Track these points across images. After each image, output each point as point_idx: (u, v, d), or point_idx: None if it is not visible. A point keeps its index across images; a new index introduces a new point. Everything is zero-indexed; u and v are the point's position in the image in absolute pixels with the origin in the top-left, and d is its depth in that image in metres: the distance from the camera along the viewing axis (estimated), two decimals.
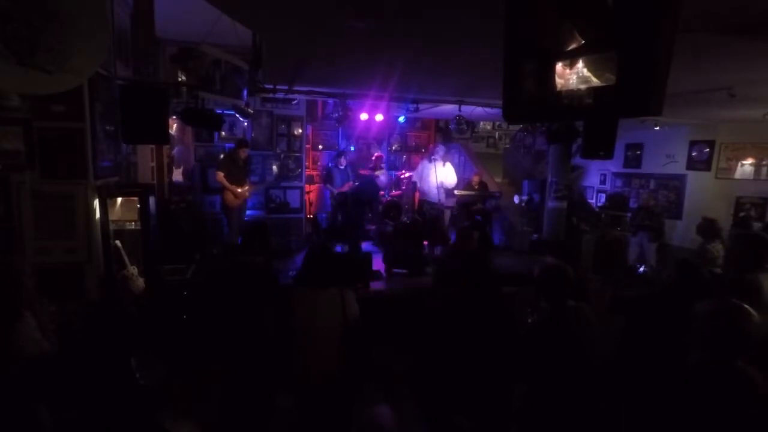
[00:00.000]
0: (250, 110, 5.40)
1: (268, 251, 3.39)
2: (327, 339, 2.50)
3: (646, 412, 1.83)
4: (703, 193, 7.62)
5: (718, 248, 4.94)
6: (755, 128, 6.90)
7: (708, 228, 5.16)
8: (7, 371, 1.79)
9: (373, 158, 8.13)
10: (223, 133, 6.75)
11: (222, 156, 6.35)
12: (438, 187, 7.34)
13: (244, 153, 5.89)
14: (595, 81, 1.56)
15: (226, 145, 6.84)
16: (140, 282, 3.75)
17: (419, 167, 8.00)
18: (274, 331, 2.63)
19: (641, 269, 5.92)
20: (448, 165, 7.72)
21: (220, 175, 5.71)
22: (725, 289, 2.51)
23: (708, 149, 7.60)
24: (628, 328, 2.79)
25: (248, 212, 6.62)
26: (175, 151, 6.59)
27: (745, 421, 1.62)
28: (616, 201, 8.23)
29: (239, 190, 5.82)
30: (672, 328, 2.23)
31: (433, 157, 7.60)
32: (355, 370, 2.58)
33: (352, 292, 2.68)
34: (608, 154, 4.63)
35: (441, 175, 7.38)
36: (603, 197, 9.11)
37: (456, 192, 7.31)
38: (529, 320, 2.63)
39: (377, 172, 7.65)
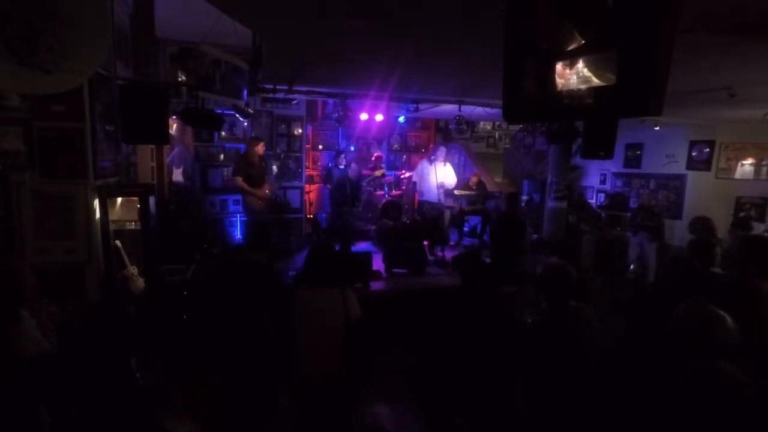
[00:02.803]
0: (250, 110, 5.39)
1: (269, 249, 3.40)
2: (328, 339, 2.50)
3: (642, 412, 1.83)
4: (703, 193, 7.62)
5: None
6: (755, 128, 6.89)
7: (702, 227, 5.06)
8: (6, 371, 1.79)
9: (373, 158, 8.12)
10: (223, 133, 6.74)
11: (236, 160, 6.22)
12: (438, 188, 7.34)
13: (262, 149, 5.80)
14: (595, 81, 1.57)
15: (226, 145, 6.82)
16: (140, 282, 3.75)
17: (419, 167, 8.01)
18: (275, 330, 2.63)
19: (630, 268, 5.88)
20: (448, 165, 7.72)
21: (239, 180, 5.58)
22: (725, 292, 2.50)
23: (708, 149, 7.59)
24: (629, 328, 2.78)
25: None
26: (174, 151, 6.58)
27: (728, 419, 1.63)
28: (616, 201, 8.23)
29: (262, 192, 5.66)
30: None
31: (432, 157, 7.61)
32: (356, 372, 2.58)
33: (353, 293, 2.68)
34: (608, 154, 4.63)
35: (441, 175, 7.39)
36: (603, 197, 9.11)
37: (456, 192, 7.31)
38: (529, 320, 2.63)
39: (377, 172, 7.63)
